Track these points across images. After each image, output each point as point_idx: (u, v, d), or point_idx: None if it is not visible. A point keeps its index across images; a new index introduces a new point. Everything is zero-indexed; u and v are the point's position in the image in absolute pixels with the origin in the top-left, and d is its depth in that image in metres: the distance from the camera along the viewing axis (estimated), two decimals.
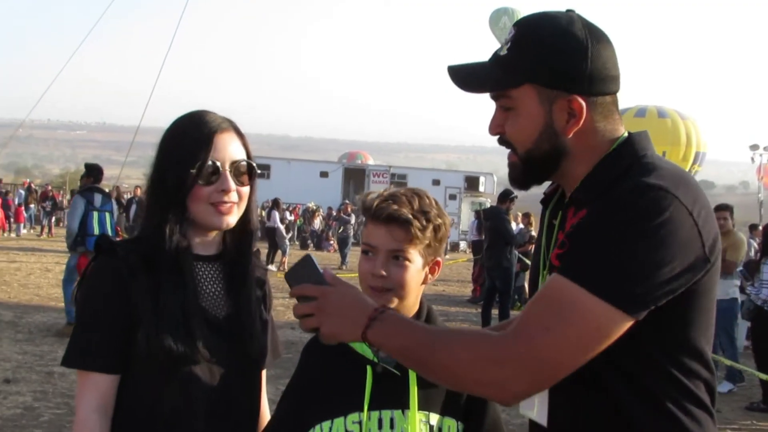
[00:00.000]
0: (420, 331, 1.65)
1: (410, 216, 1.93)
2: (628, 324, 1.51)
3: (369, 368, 1.92)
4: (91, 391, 1.89)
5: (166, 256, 1.93)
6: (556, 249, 1.69)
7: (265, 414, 2.23)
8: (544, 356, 1.50)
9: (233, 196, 1.98)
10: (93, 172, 10.24)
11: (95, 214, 9.74)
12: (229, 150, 1.99)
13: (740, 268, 9.63)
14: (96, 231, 9.61)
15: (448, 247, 35.02)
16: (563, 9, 1.76)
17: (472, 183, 42.15)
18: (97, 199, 9.84)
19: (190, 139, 1.96)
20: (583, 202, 1.67)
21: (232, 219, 2.00)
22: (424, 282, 2.02)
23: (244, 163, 2.02)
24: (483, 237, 13.82)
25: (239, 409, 2.04)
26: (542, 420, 1.76)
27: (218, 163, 1.95)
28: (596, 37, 1.69)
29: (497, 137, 1.78)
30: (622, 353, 1.58)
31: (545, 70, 1.67)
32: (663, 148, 22.67)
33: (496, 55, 1.75)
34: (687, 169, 22.69)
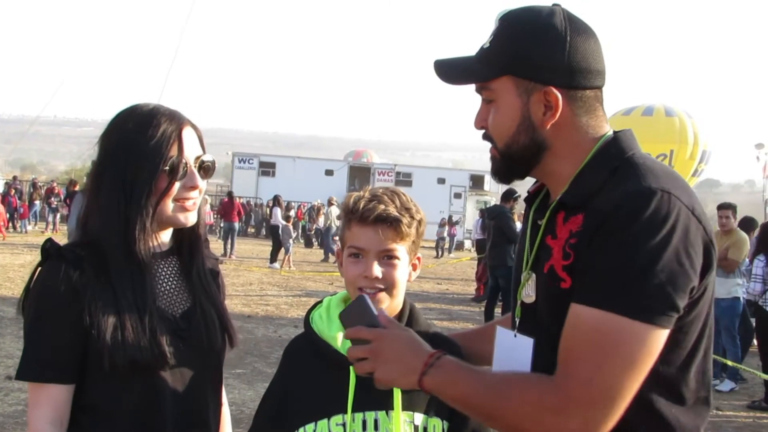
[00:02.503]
0: (476, 380, 1.62)
1: (398, 214, 1.93)
2: (667, 334, 1.52)
3: (352, 369, 1.91)
4: (45, 404, 1.83)
5: (123, 260, 1.89)
6: (561, 260, 1.64)
7: (223, 402, 2.21)
8: (606, 393, 1.48)
9: (197, 193, 1.97)
10: None
11: None
12: (194, 145, 1.98)
13: (746, 266, 9.54)
14: None
15: (454, 246, 35.00)
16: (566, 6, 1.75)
17: (477, 181, 42.18)
18: None
19: (158, 136, 1.91)
20: (574, 207, 1.65)
21: (193, 215, 1.99)
22: (408, 279, 2.02)
23: (206, 158, 2.01)
24: (487, 236, 13.81)
25: (205, 406, 2.03)
26: None
27: (187, 161, 1.94)
28: (578, 30, 1.68)
29: (481, 132, 1.78)
30: None
31: (522, 61, 1.67)
32: (671, 146, 22.58)
33: (480, 49, 1.76)
34: (694, 168, 22.85)
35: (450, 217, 36.13)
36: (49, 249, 1.89)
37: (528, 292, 1.76)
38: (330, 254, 24.42)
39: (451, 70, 1.79)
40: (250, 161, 43.82)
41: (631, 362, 1.49)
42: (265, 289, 16.09)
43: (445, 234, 33.54)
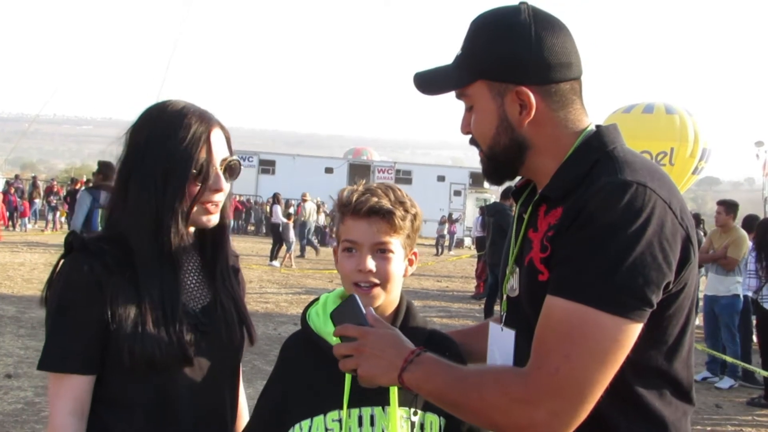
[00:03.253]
0: (452, 374, 1.63)
1: (391, 207, 1.93)
2: (639, 328, 1.51)
3: None
4: (66, 394, 1.83)
5: (151, 258, 1.89)
6: (539, 252, 1.65)
7: (242, 401, 2.22)
8: (573, 384, 1.49)
9: (222, 195, 1.97)
10: (103, 169, 10.29)
11: (100, 211, 9.72)
12: (222, 147, 1.98)
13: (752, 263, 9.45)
14: (100, 229, 9.55)
15: (454, 243, 34.98)
16: (554, 9, 1.78)
17: (477, 179, 42.13)
18: (104, 196, 9.80)
19: (188, 139, 1.91)
20: (555, 200, 1.66)
21: (215, 217, 2.00)
22: (404, 274, 2.02)
23: (233, 160, 2.01)
24: (486, 233, 13.82)
25: (222, 403, 2.03)
26: None
27: (214, 163, 1.94)
28: (544, 25, 1.68)
29: (468, 137, 1.80)
30: None
31: (490, 64, 1.68)
32: (671, 144, 22.57)
33: (456, 56, 1.77)
34: (694, 166, 22.81)
35: (450, 215, 36.13)
36: (72, 241, 1.90)
37: (513, 286, 1.77)
38: (313, 249, 24.56)
39: (427, 82, 1.81)
40: (250, 159, 43.80)
41: (600, 354, 1.48)
42: (265, 287, 16.10)
43: (445, 231, 33.54)
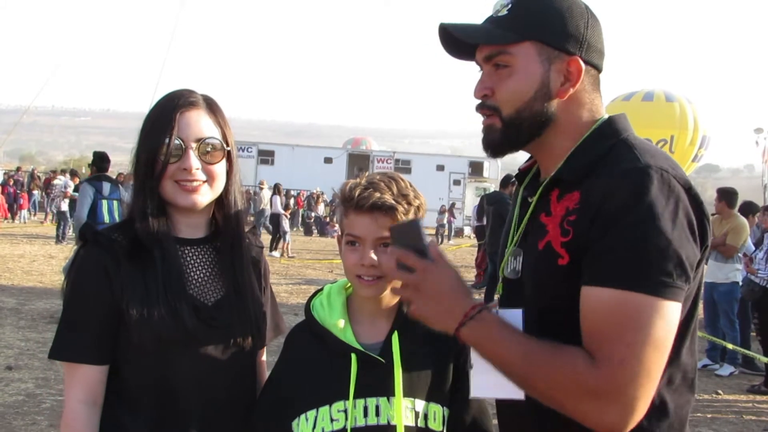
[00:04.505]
0: (518, 343, 1.59)
1: (393, 202, 1.92)
2: (680, 307, 1.54)
3: (353, 356, 1.90)
4: (78, 384, 1.88)
5: (150, 240, 1.92)
6: (559, 236, 1.63)
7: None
8: (640, 374, 1.49)
9: (199, 175, 1.95)
10: (96, 160, 10.31)
11: (104, 202, 9.70)
12: (194, 127, 1.96)
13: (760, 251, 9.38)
14: (106, 219, 9.59)
15: (453, 233, 35.00)
16: None
17: (476, 168, 42.05)
18: (105, 187, 9.79)
19: (155, 119, 1.95)
20: (569, 184, 1.65)
21: (200, 198, 1.97)
22: None
23: (212, 140, 1.98)
24: (486, 222, 13.80)
25: (233, 394, 2.03)
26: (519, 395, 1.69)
27: (180, 141, 1.93)
28: (593, 13, 1.74)
29: (481, 100, 1.75)
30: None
31: (550, 28, 1.68)
32: (671, 132, 22.54)
33: (491, 18, 1.74)
34: (694, 153, 22.77)
35: (453, 204, 36.14)
36: (85, 233, 1.95)
37: (515, 268, 1.77)
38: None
39: (466, 33, 1.74)
40: (249, 149, 43.59)
41: (657, 340, 1.50)
42: None
43: (445, 221, 33.55)
